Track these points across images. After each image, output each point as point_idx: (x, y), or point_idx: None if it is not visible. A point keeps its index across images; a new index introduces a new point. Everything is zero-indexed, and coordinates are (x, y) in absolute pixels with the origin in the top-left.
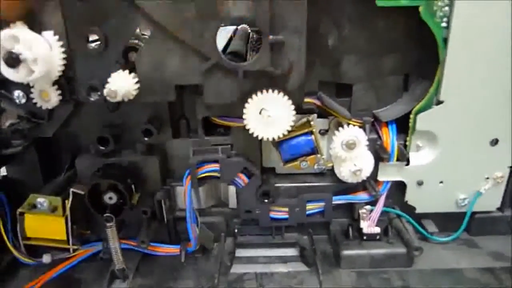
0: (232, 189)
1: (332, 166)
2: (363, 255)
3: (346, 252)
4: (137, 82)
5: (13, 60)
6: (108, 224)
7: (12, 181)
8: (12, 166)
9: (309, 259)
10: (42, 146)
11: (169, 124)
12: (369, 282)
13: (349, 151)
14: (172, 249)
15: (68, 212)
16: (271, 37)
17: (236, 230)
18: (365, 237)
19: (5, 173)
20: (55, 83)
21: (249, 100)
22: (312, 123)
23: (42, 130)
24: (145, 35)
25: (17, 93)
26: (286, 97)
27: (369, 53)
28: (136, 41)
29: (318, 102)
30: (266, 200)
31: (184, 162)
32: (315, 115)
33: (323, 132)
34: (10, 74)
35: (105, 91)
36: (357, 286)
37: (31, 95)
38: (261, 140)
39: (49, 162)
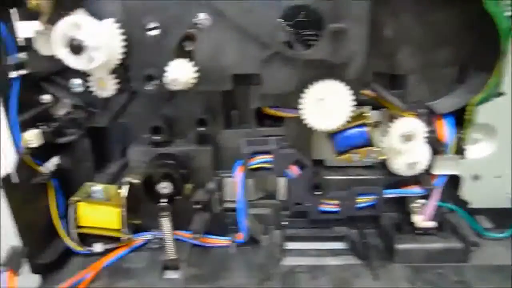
0: (281, 181)
1: (384, 159)
2: (418, 249)
3: (401, 246)
4: (195, 71)
5: (77, 47)
6: (163, 214)
7: (64, 169)
8: (64, 155)
9: (360, 253)
10: (94, 135)
11: (222, 115)
12: (424, 277)
13: (406, 143)
14: (221, 241)
15: (123, 201)
16: (333, 25)
17: (284, 223)
18: (419, 231)
19: (58, 162)
20: (112, 71)
21: (307, 90)
22: (367, 114)
23: (96, 120)
24: (201, 24)
25: (75, 81)
26: (346, 87)
27: (425, 44)
28: (192, 30)
29: (372, 94)
30: (317, 193)
31: (234, 153)
32: (369, 106)
33: (375, 124)
34: (72, 61)
35: (167, 79)
36: (413, 280)
37: (89, 84)
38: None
39: (99, 152)
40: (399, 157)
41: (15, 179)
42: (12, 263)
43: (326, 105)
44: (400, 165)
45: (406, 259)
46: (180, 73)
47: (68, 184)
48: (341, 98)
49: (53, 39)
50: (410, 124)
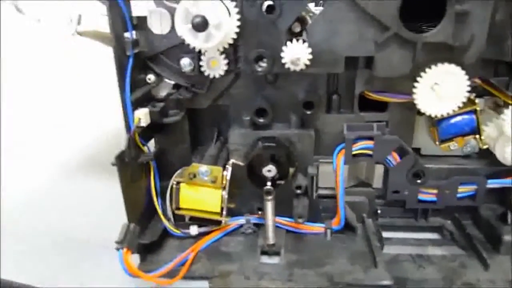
0: (377, 168)
1: (486, 148)
2: None
3: (508, 238)
4: (310, 53)
5: (200, 24)
6: (268, 197)
7: (161, 150)
8: (162, 136)
9: (461, 243)
10: (190, 117)
11: (325, 99)
12: None
13: None
14: (316, 227)
15: (227, 183)
16: (457, 6)
17: (379, 211)
18: None
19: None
20: (222, 52)
21: (422, 73)
22: (476, 101)
23: (198, 101)
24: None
25: (185, 60)
26: (463, 72)
27: None
28: (304, 13)
29: (479, 80)
30: (418, 181)
31: (333, 138)
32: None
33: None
34: (191, 39)
35: (287, 59)
36: None
37: (201, 63)
38: None
39: (195, 134)
40: (510, 145)
41: (127, 157)
42: (128, 241)
43: (441, 89)
44: (510, 153)
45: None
46: (300, 53)
47: (163, 166)
48: (458, 83)
49: (176, 15)
50: None
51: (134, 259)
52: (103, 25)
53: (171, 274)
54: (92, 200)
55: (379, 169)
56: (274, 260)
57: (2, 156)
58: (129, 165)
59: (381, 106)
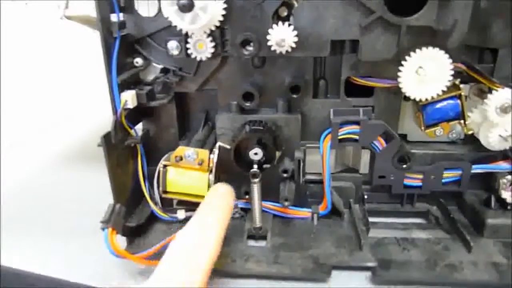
0: (364, 154)
1: (470, 134)
2: (509, 224)
3: (491, 221)
4: (296, 35)
5: (186, 5)
6: (254, 180)
7: (148, 134)
8: (150, 120)
9: (447, 227)
10: (178, 102)
11: (312, 84)
12: None
13: (503, 116)
14: (302, 212)
15: (214, 166)
16: None
17: (365, 197)
18: (509, 207)
19: (145, 127)
20: (209, 34)
21: (407, 57)
22: (461, 86)
23: (186, 85)
24: None
25: (172, 43)
26: (446, 55)
27: None
28: None
29: (462, 66)
30: (404, 166)
31: (320, 123)
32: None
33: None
34: (177, 20)
35: (272, 41)
36: (508, 255)
37: (188, 46)
38: None
39: (182, 119)
40: (494, 130)
41: (113, 139)
42: (113, 221)
43: (425, 73)
44: (494, 138)
45: (495, 234)
46: (285, 35)
47: (151, 151)
48: (441, 67)
49: None
50: (509, 96)
51: (122, 244)
52: (91, 10)
53: (157, 256)
54: (85, 188)
55: (366, 155)
56: (262, 243)
57: None
58: (116, 148)
59: (368, 92)
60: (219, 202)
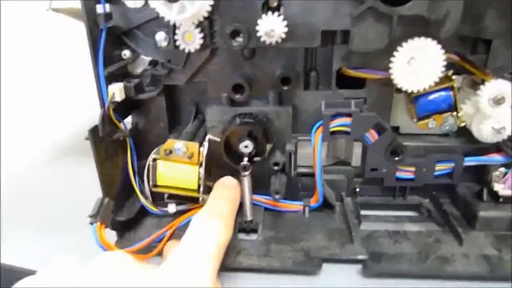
0: (357, 147)
1: (463, 126)
2: (501, 217)
3: (483, 214)
4: (286, 26)
5: None
6: (244, 173)
7: (137, 127)
8: (139, 114)
9: (439, 220)
10: (168, 95)
11: (303, 76)
12: (510, 244)
13: (496, 107)
14: (294, 205)
15: (203, 159)
16: None
17: (357, 190)
18: (501, 200)
19: (134, 120)
20: (198, 25)
21: (399, 48)
22: (454, 77)
23: (175, 77)
24: None
25: (160, 35)
26: (439, 46)
27: None
28: None
29: (455, 57)
30: (396, 158)
31: (311, 115)
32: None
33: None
34: (164, 11)
35: (262, 32)
36: (499, 248)
37: (176, 37)
38: None
39: (172, 112)
40: (487, 122)
41: (101, 132)
42: (101, 215)
43: (417, 64)
44: (486, 131)
45: (487, 227)
46: (275, 25)
47: (141, 145)
48: (434, 58)
49: None
50: (502, 87)
51: (112, 238)
52: (77, 1)
53: (147, 250)
54: (77, 182)
55: (358, 148)
56: (253, 236)
57: None
58: (104, 141)
59: (360, 84)
60: (229, 194)
